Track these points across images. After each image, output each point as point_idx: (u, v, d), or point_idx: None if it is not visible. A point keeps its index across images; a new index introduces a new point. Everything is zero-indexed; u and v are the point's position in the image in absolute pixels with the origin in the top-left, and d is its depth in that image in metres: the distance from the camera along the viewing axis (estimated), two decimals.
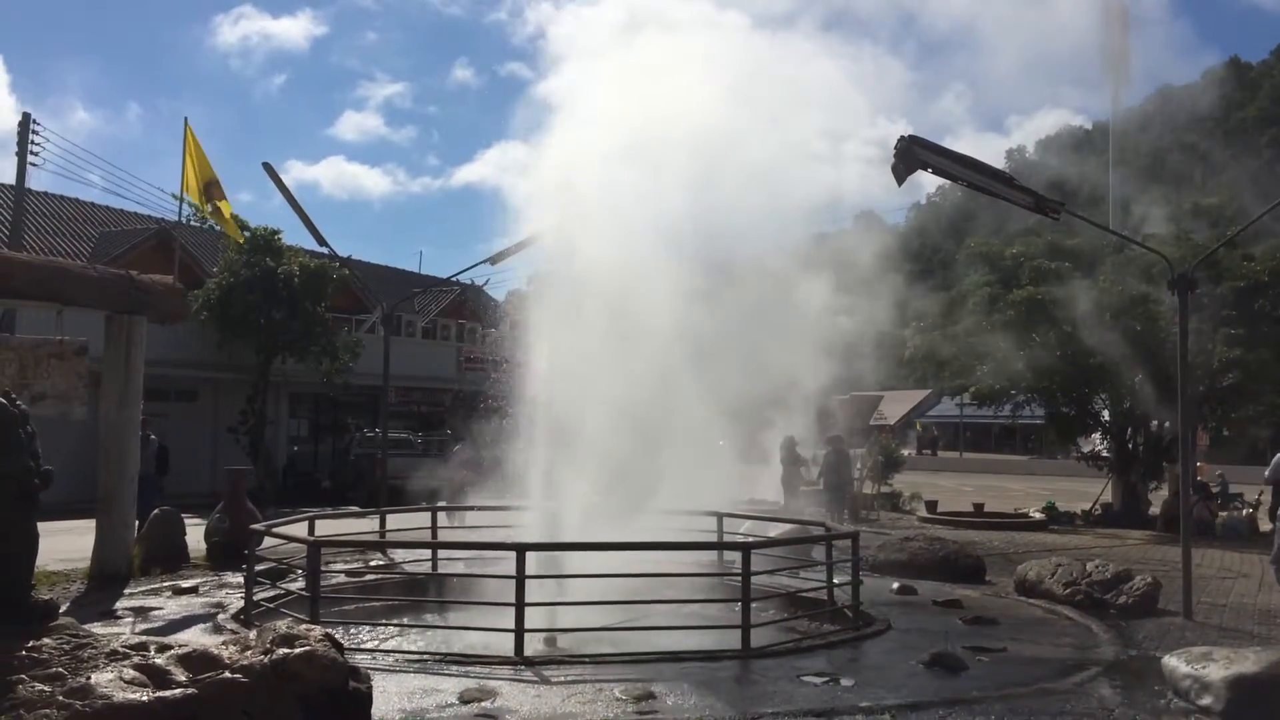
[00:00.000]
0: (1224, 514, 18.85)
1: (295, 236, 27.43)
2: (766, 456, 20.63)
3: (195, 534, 13.00)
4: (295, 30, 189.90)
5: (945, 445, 66.32)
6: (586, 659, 7.45)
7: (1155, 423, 20.72)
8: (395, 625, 9.32)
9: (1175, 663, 6.74)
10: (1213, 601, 10.68)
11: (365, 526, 12.95)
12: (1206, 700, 6.30)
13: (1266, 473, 10.43)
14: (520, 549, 7.81)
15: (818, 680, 6.92)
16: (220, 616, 9.00)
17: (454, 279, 28.43)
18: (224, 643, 5.46)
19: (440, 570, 11.33)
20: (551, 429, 10.90)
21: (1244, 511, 19.38)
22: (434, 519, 12.92)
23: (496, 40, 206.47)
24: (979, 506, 22.61)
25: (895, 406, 52.38)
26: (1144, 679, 7.13)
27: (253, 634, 5.55)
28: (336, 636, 5.72)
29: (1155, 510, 20.02)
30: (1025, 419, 27.34)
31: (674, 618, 8.33)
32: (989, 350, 20.74)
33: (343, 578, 11.38)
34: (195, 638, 7.44)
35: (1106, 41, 24.53)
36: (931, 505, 22.32)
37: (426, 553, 11.94)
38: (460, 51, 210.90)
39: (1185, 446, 10.94)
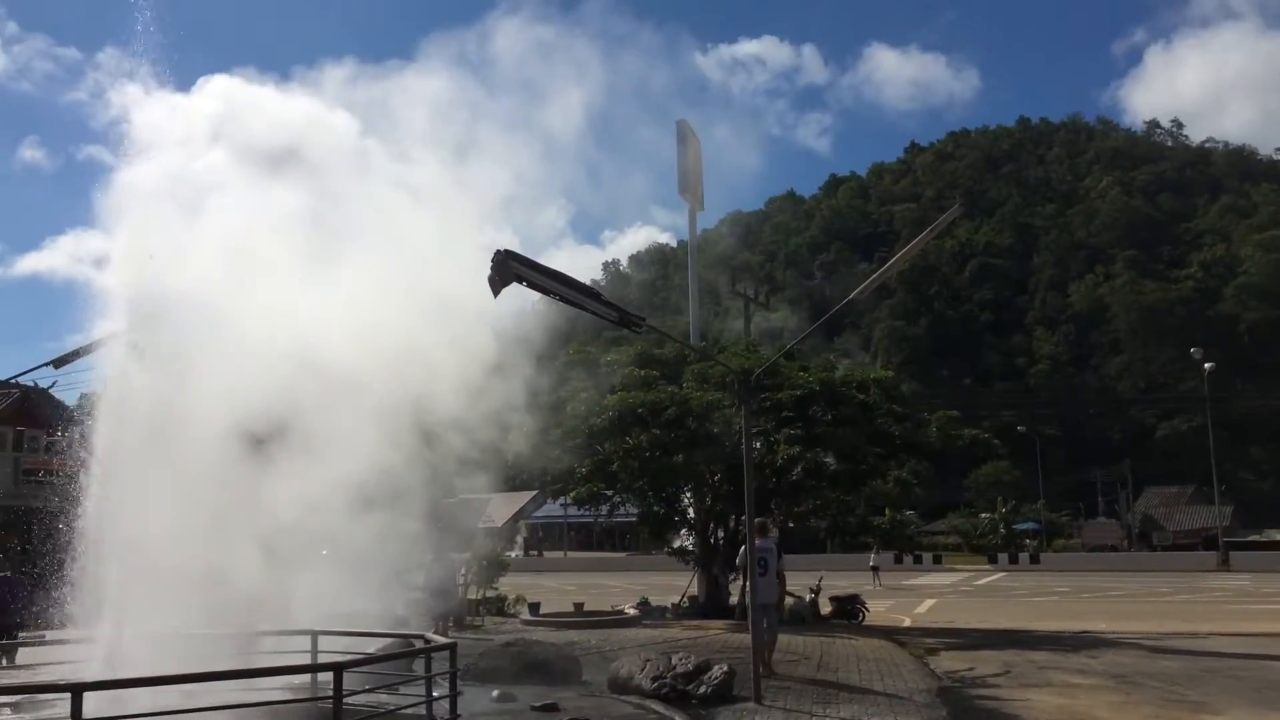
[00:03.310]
0: (791, 599, 20.79)
1: None
2: (379, 565, 19.93)
3: None
4: None
5: (551, 545, 67.96)
6: None
7: (733, 517, 22.61)
8: None
9: None
10: (779, 684, 11.72)
11: None
12: None
13: (737, 559, 11.91)
14: (76, 689, 6.91)
15: None
16: None
17: (13, 380, 25.18)
18: None
19: None
20: (118, 546, 9.86)
21: (805, 598, 21.52)
22: None
23: (73, 121, 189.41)
24: (579, 605, 23.30)
25: (503, 508, 52.95)
26: None
27: None
28: None
29: (735, 599, 21.70)
30: (621, 518, 28.73)
31: None
32: (587, 453, 21.72)
33: None
34: None
35: (682, 170, 27.17)
36: (535, 607, 22.70)
37: None
38: (30, 130, 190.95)
39: (751, 538, 12.04)
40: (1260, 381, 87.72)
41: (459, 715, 8.98)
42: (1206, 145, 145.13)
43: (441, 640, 10.43)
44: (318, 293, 13.27)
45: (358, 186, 14.96)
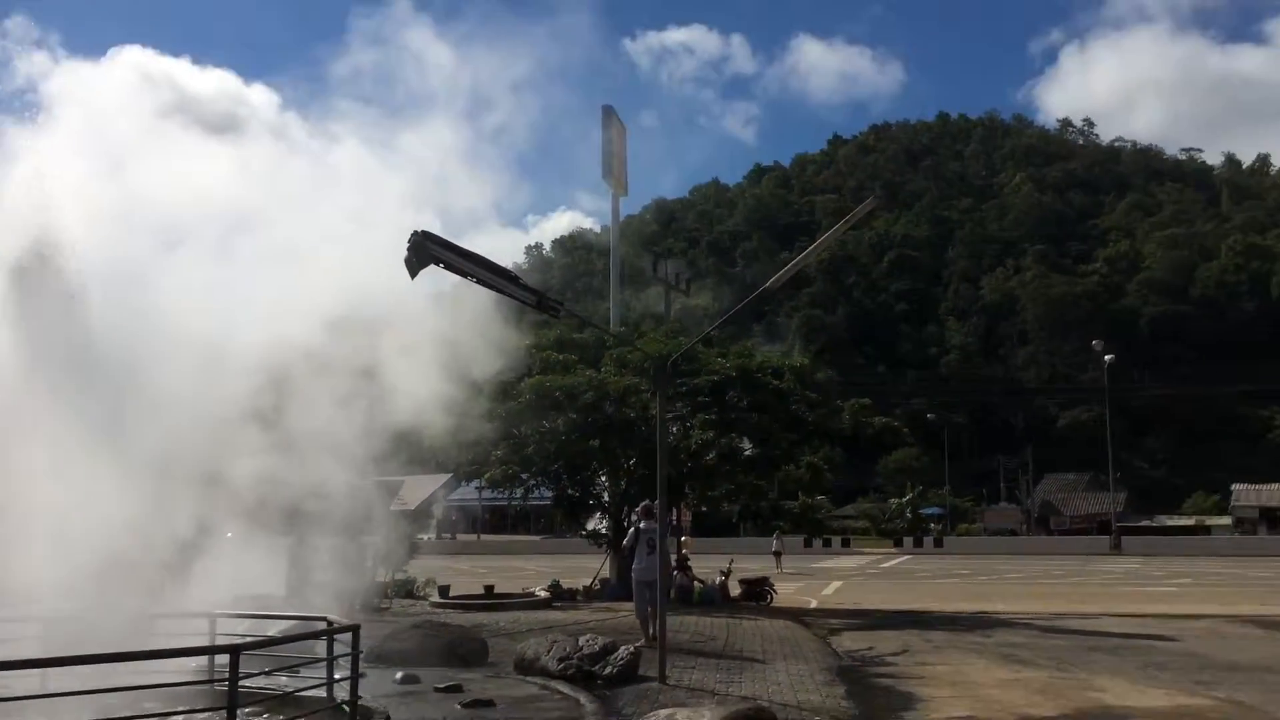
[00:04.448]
0: (699, 583, 21.07)
1: None
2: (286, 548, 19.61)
3: None
4: None
5: (465, 528, 67.61)
6: None
7: (646, 501, 22.72)
8: None
9: None
10: (686, 664, 11.88)
11: None
12: None
13: (624, 541, 12.08)
14: None
15: None
16: None
17: None
18: None
19: None
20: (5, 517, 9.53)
21: (717, 580, 21.80)
22: None
23: None
24: (490, 588, 23.24)
25: (417, 491, 52.48)
26: None
27: None
28: None
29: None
30: (536, 501, 28.74)
31: None
32: (502, 436, 21.64)
33: None
34: None
35: (606, 155, 27.16)
36: (444, 590, 22.54)
37: None
38: None
39: (663, 522, 12.17)
40: (1158, 374, 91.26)
41: (361, 697, 8.90)
42: (1116, 144, 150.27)
43: (344, 622, 10.33)
44: (231, 268, 12.99)
45: (278, 162, 14.62)
